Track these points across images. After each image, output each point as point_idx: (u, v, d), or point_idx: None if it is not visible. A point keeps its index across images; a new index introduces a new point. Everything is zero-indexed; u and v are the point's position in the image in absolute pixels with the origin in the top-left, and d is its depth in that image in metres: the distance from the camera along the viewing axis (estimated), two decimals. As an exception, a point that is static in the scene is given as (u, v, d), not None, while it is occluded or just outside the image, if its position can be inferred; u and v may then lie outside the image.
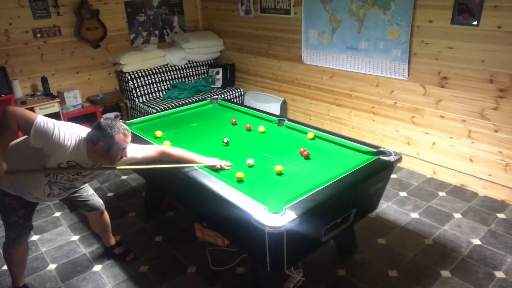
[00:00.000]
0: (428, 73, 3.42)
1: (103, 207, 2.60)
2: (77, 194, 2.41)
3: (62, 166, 1.99)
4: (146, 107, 4.73)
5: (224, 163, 2.36)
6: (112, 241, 2.78)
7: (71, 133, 1.97)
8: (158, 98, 5.09)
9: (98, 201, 2.55)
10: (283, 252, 1.89)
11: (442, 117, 3.45)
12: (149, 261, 2.73)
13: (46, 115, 2.13)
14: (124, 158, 2.09)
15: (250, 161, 2.42)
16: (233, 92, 5.25)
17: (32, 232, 3.11)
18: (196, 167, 2.29)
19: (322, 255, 2.70)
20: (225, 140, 2.75)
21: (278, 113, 4.71)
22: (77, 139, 1.98)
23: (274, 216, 1.80)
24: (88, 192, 2.49)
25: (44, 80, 4.41)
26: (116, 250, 2.76)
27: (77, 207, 2.50)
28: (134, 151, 2.19)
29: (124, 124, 2.04)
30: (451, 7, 3.10)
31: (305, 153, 2.51)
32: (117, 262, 2.72)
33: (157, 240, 2.96)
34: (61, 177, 2.07)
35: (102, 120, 2.02)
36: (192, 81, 5.38)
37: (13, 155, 2.00)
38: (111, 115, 4.82)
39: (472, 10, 2.99)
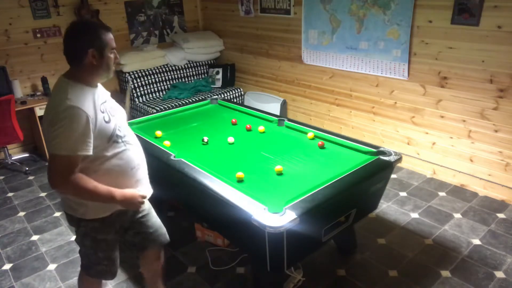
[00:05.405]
0: (428, 73, 3.42)
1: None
2: (148, 223, 2.00)
3: (104, 114, 1.68)
4: (146, 107, 4.73)
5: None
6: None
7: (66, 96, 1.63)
8: (158, 98, 5.09)
9: (166, 232, 2.13)
10: (283, 252, 1.89)
11: (442, 117, 3.45)
12: (149, 261, 2.73)
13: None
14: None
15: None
16: (233, 92, 5.25)
17: (32, 232, 3.12)
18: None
19: (322, 255, 2.70)
20: (205, 139, 2.75)
21: (278, 113, 4.71)
22: (74, 85, 1.68)
23: (274, 216, 1.80)
24: (157, 218, 2.10)
25: (44, 80, 4.40)
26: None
27: (146, 244, 2.04)
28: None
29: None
30: (451, 7, 3.10)
31: (320, 143, 2.66)
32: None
33: (157, 240, 2.96)
34: (119, 128, 1.73)
35: (70, 28, 1.62)
36: (192, 81, 5.38)
37: (109, 177, 1.69)
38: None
39: (472, 10, 2.99)
